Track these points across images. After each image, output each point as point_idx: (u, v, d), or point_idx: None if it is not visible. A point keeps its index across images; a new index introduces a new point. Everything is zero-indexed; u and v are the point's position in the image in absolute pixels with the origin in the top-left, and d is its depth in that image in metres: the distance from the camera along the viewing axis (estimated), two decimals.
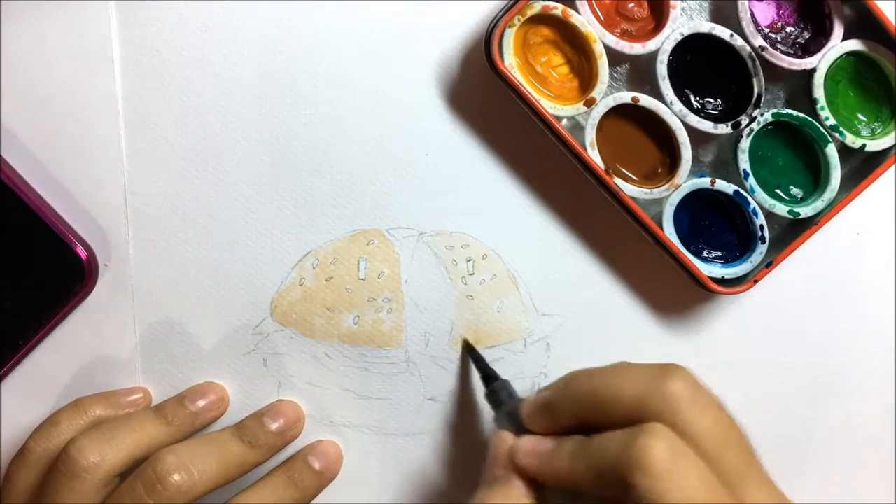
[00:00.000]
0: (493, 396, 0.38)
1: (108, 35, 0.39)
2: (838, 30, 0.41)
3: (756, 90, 0.41)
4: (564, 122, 0.40)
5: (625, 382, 0.31)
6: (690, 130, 0.40)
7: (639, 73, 0.41)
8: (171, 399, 0.40)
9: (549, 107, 0.39)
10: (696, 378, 0.32)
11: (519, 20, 0.39)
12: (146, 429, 0.38)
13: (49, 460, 0.37)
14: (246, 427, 0.39)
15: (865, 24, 0.41)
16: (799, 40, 0.42)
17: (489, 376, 0.39)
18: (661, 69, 0.40)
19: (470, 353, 0.42)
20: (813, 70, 0.41)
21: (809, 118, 0.41)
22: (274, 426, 0.40)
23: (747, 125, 0.41)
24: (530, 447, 0.34)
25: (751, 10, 0.40)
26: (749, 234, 0.42)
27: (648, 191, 0.41)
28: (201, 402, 0.40)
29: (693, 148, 0.41)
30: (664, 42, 0.40)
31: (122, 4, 0.39)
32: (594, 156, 0.40)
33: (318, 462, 0.40)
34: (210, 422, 0.41)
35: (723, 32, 0.40)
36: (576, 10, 0.39)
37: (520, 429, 0.35)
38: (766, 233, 0.42)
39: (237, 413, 0.41)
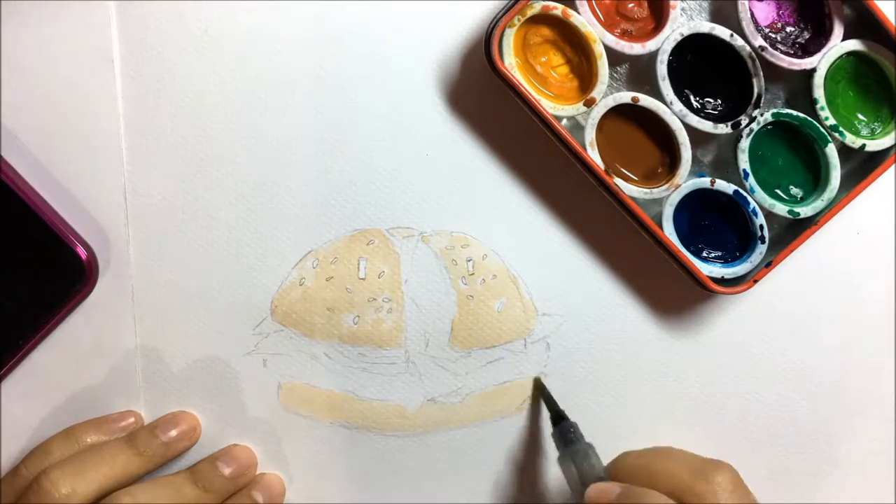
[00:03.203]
0: (562, 436, 0.40)
1: (108, 35, 0.39)
2: (838, 30, 0.41)
3: (756, 90, 0.41)
4: (564, 122, 0.40)
5: (677, 463, 0.38)
6: (690, 130, 0.40)
7: (639, 73, 0.41)
8: (142, 429, 0.40)
9: (549, 107, 0.39)
10: (739, 476, 0.37)
11: (519, 20, 0.39)
12: (118, 460, 0.38)
13: None
14: (200, 472, 0.40)
15: (865, 24, 0.41)
16: (799, 40, 0.42)
17: (559, 416, 0.41)
18: (661, 69, 0.40)
19: (541, 392, 0.43)
20: (813, 70, 0.41)
21: (809, 118, 0.41)
22: (227, 471, 0.40)
23: (747, 125, 0.41)
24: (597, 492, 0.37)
25: (751, 10, 0.40)
26: (749, 233, 0.42)
27: (648, 191, 0.41)
28: (173, 433, 0.40)
29: (693, 148, 0.41)
30: (664, 42, 0.40)
31: (122, 4, 0.39)
32: (594, 156, 0.40)
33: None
34: (182, 452, 0.41)
35: (723, 32, 0.40)
36: (576, 10, 0.39)
37: (581, 470, 0.39)
38: (766, 233, 0.42)
39: (236, 414, 0.42)
